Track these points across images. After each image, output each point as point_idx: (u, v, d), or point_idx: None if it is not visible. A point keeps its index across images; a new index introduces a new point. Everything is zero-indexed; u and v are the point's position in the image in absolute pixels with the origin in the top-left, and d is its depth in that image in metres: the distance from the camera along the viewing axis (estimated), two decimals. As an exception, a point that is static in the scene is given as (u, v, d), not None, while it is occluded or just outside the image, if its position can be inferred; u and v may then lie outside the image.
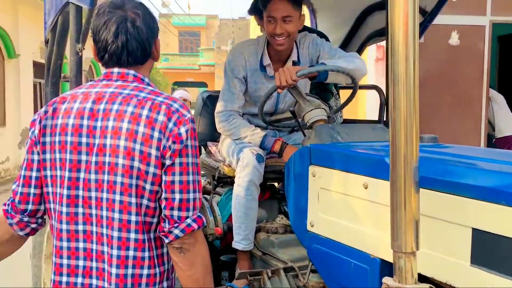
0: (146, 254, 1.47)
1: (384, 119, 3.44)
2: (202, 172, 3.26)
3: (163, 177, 1.41)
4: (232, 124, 2.65)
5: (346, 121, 3.64)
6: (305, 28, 3.56)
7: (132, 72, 1.53)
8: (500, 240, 1.31)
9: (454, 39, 7.05)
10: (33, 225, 1.59)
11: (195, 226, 1.43)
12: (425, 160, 1.66)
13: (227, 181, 2.85)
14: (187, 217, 1.42)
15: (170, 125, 1.41)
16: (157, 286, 1.49)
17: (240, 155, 2.51)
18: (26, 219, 1.56)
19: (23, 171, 1.54)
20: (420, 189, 1.54)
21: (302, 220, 2.04)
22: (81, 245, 1.50)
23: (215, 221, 2.60)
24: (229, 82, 2.68)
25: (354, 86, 2.49)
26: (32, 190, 1.54)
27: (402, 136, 1.29)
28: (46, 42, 2.90)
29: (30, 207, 1.55)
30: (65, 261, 1.51)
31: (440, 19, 6.77)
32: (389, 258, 1.42)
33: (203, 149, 3.25)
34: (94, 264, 1.49)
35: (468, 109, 6.51)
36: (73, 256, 1.51)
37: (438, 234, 1.48)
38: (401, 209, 1.30)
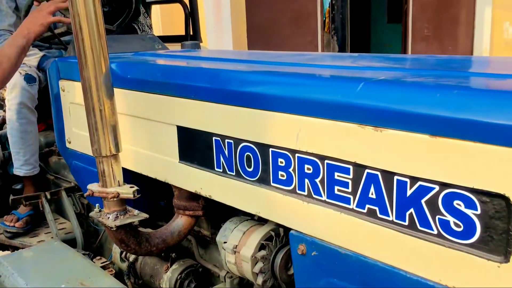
0: None
1: (191, 33, 3.40)
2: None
3: None
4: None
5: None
6: None
7: None
8: (197, 134, 1.36)
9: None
10: None
11: None
12: (148, 65, 1.65)
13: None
14: None
15: None
16: None
17: (9, 76, 2.33)
18: None
19: None
20: (131, 91, 1.54)
21: (62, 138, 1.98)
22: None
23: (-8, 149, 2.44)
24: (-6, -2, 2.43)
25: None
26: None
27: (88, 49, 1.24)
28: None
29: None
30: None
31: None
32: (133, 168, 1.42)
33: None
34: None
35: (306, 24, 6.72)
36: None
37: (150, 133, 1.51)
38: (96, 114, 1.28)
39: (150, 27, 3.65)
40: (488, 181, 0.79)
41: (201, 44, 2.97)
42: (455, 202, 0.84)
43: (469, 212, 0.82)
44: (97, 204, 1.44)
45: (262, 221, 1.40)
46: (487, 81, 1.03)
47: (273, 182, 1.17)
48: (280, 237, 1.33)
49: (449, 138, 0.83)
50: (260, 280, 1.31)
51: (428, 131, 0.86)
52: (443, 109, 0.84)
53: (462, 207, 0.83)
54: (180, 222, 1.57)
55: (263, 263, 1.30)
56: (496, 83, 1.00)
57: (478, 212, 0.81)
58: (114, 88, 1.30)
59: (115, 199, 1.34)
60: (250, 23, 6.42)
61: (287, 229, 1.21)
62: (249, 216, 1.45)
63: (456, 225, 0.85)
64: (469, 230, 0.83)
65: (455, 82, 0.95)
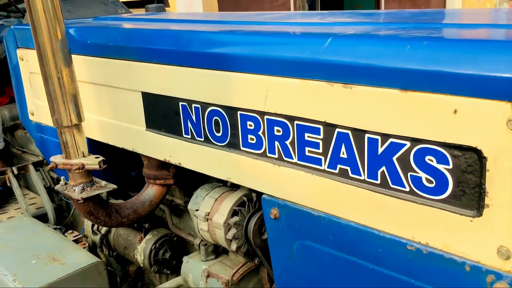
0: None
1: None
2: None
3: None
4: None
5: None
6: None
7: None
8: (163, 100, 1.30)
9: None
10: None
11: None
12: (108, 29, 1.57)
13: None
14: None
15: None
16: None
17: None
18: None
19: None
20: (92, 58, 1.47)
21: (25, 110, 1.90)
22: None
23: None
24: None
25: None
26: None
27: (41, 12, 1.15)
28: None
29: None
30: None
31: None
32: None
33: None
34: None
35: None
36: None
37: (114, 101, 1.45)
38: (54, 82, 1.21)
39: (115, -8, 3.51)
40: (460, 135, 0.76)
41: (168, 9, 2.87)
42: (427, 158, 0.82)
43: (441, 167, 0.80)
44: (62, 177, 1.38)
45: (234, 187, 1.37)
46: (457, 32, 1.00)
47: (242, 147, 1.14)
48: (253, 202, 1.31)
49: (419, 92, 0.80)
50: (234, 246, 1.29)
51: (398, 85, 0.82)
52: (413, 62, 0.81)
53: (434, 163, 0.81)
54: (151, 191, 1.53)
55: (236, 229, 1.28)
56: (466, 33, 0.96)
57: (450, 166, 0.79)
58: (73, 55, 1.23)
59: (80, 170, 1.28)
60: (221, -13, 6.25)
61: (259, 194, 1.18)
62: (222, 183, 1.42)
63: (428, 181, 0.82)
64: (441, 185, 0.81)
65: (426, 33, 0.92)
